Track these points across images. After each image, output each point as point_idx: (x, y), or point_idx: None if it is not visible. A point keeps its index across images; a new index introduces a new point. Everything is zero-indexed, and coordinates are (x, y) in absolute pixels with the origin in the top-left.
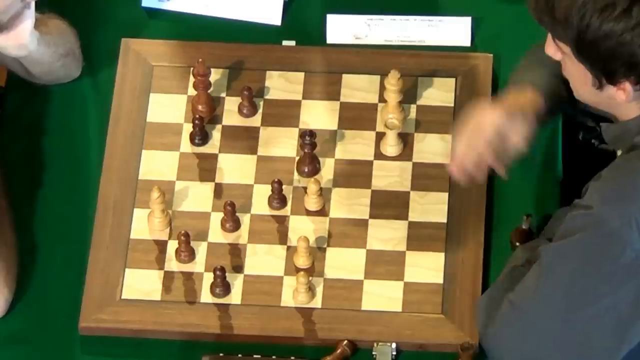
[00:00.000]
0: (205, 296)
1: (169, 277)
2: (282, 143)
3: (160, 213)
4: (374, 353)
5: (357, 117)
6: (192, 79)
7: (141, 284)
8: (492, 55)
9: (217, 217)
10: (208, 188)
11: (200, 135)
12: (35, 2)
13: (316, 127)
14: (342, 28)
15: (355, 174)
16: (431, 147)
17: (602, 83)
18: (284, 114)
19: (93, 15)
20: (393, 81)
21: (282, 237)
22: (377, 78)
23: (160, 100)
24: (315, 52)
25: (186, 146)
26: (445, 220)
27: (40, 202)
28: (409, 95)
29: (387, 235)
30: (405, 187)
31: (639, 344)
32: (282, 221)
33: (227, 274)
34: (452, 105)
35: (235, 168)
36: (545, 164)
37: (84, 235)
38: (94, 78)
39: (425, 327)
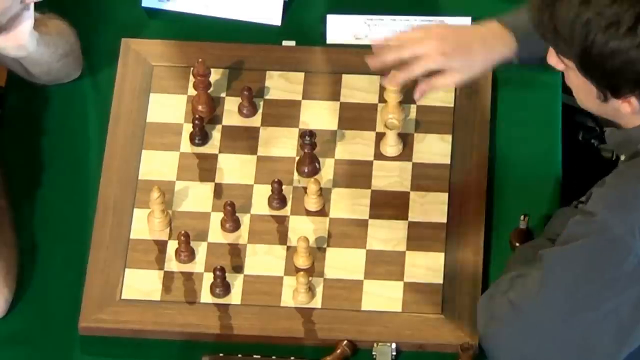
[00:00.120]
0: (205, 296)
1: (168, 277)
2: (282, 143)
3: (160, 213)
4: (373, 353)
5: (357, 117)
6: (192, 79)
7: (141, 284)
8: None
9: (217, 217)
10: (208, 188)
11: (200, 136)
12: (35, 3)
13: (316, 127)
14: (342, 28)
15: (355, 174)
16: (431, 148)
17: (607, 97)
18: (284, 114)
19: (93, 15)
20: None
21: (282, 237)
22: (377, 78)
23: (160, 100)
24: (315, 52)
25: (186, 146)
26: (445, 221)
27: (40, 202)
28: (409, 96)
29: (387, 235)
30: (405, 187)
31: None
32: (282, 221)
33: (227, 274)
34: (452, 105)
35: (235, 168)
36: (545, 164)
37: (84, 235)
38: (94, 78)
39: (425, 327)
